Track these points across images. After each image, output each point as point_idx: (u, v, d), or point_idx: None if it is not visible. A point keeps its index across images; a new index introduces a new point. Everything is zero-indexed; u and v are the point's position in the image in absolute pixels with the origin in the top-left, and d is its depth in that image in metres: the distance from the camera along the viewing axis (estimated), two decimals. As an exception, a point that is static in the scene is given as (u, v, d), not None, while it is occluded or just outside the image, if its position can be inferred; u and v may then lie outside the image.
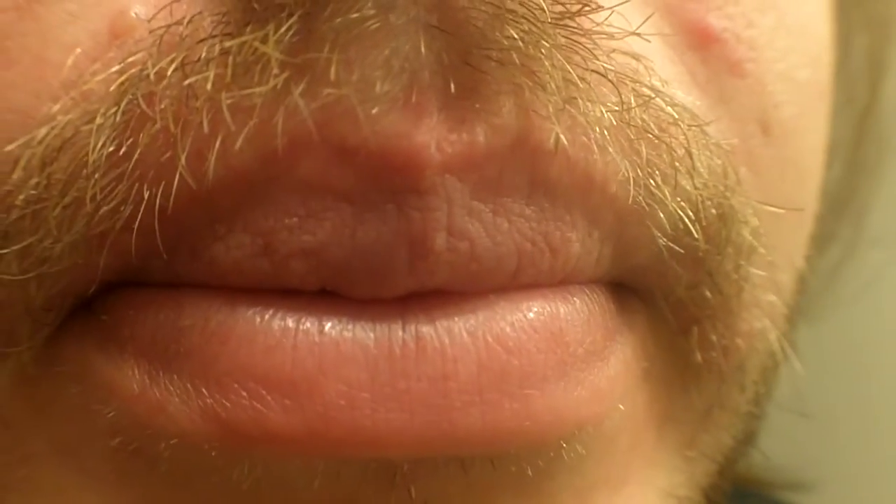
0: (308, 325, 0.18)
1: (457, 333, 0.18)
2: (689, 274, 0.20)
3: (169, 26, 0.17)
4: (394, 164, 0.17)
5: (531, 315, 0.19)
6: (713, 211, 0.20)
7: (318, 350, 0.18)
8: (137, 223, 0.17)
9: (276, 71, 0.16)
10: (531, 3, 0.17)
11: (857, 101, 0.36)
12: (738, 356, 0.22)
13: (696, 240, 0.20)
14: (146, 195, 0.17)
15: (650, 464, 0.22)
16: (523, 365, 0.18)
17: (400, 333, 0.18)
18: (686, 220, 0.19)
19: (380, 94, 0.17)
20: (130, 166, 0.17)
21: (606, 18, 0.18)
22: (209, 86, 0.17)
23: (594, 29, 0.18)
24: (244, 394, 0.18)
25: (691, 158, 0.19)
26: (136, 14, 0.17)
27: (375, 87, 0.17)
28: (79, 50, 0.17)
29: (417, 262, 0.18)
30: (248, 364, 0.18)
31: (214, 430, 0.18)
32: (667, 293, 0.21)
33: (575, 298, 0.20)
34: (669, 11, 0.20)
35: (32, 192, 0.17)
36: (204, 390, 0.18)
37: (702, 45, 0.20)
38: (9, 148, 0.17)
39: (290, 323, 0.18)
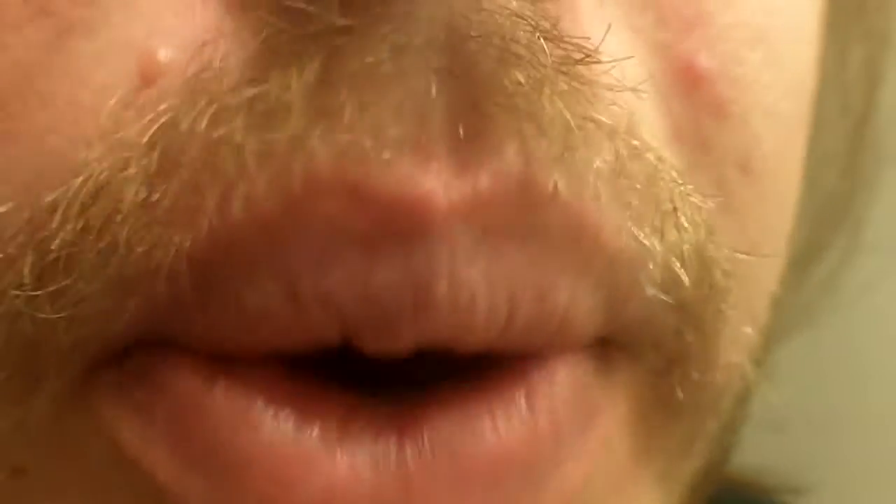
0: (322, 457, 0.18)
1: (439, 471, 0.19)
2: (674, 321, 0.21)
3: (198, 73, 0.17)
4: (403, 209, 0.17)
5: (509, 431, 0.19)
6: (695, 261, 0.20)
7: (330, 491, 0.18)
8: (168, 269, 0.17)
9: (296, 116, 0.17)
10: (535, 47, 0.17)
11: (854, 111, 0.36)
12: (715, 389, 0.23)
13: (684, 288, 0.20)
14: (175, 240, 0.17)
15: (627, 499, 0.22)
16: (497, 496, 0.19)
17: (395, 466, 0.19)
18: (675, 268, 0.20)
19: (391, 137, 0.17)
20: (160, 213, 0.17)
21: (607, 71, 0.18)
22: (238, 135, 0.17)
23: (594, 79, 0.18)
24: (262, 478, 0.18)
25: (675, 212, 0.20)
26: (163, 58, 0.17)
27: (387, 131, 0.17)
28: (115, 96, 0.17)
29: (422, 310, 0.18)
30: (268, 495, 0.18)
31: None
32: (656, 343, 0.21)
33: (553, 395, 0.20)
34: (661, 51, 0.20)
35: (68, 237, 0.17)
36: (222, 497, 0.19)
37: (688, 89, 0.21)
38: (49, 199, 0.17)
39: (305, 454, 0.18)
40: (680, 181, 0.20)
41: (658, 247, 0.19)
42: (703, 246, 0.20)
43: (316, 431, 0.19)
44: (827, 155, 0.26)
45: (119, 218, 0.17)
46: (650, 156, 0.19)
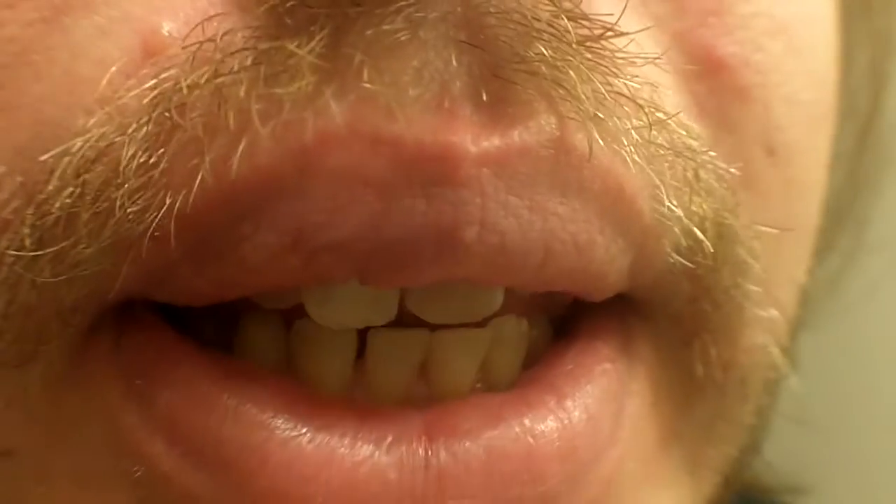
0: (342, 451, 0.19)
1: (474, 466, 0.19)
2: (689, 289, 0.21)
3: (201, 44, 0.17)
4: (429, 155, 0.17)
5: (544, 430, 0.19)
6: (714, 229, 0.20)
7: (349, 486, 0.18)
8: (161, 230, 0.18)
9: (307, 74, 0.17)
10: (558, 24, 0.18)
11: (859, 113, 0.36)
12: (740, 370, 0.23)
13: (703, 257, 0.20)
14: (168, 201, 0.17)
15: (657, 483, 0.23)
16: (535, 492, 0.19)
17: (423, 464, 0.19)
18: (696, 237, 0.20)
19: (412, 97, 0.17)
20: (157, 174, 0.17)
21: (627, 45, 0.19)
22: (241, 92, 0.17)
23: (617, 53, 0.18)
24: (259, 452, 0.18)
25: (699, 181, 0.20)
26: (168, 32, 0.18)
27: (407, 91, 0.17)
28: (114, 68, 0.18)
29: (445, 253, 0.18)
30: (283, 489, 0.18)
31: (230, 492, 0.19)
32: (667, 305, 0.21)
33: (585, 393, 0.20)
34: (681, 37, 0.21)
35: (67, 199, 0.18)
36: (235, 499, 0.19)
37: (710, 72, 0.21)
38: (43, 158, 0.18)
39: (324, 450, 0.19)
40: (703, 150, 0.20)
41: (682, 214, 0.20)
42: (723, 216, 0.21)
43: (335, 431, 0.19)
44: (833, 156, 0.26)
45: (117, 181, 0.17)
46: (675, 124, 0.20)
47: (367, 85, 0.17)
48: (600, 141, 0.18)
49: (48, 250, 0.18)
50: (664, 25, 0.20)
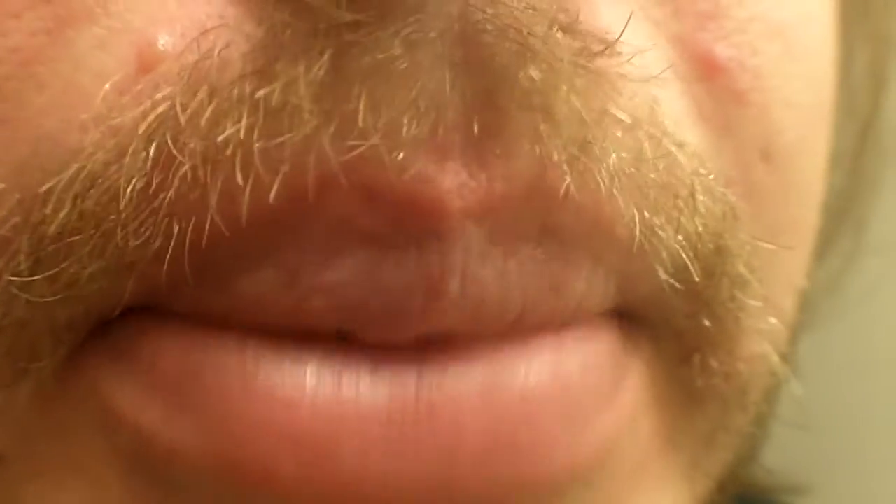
0: (327, 379, 0.18)
1: (466, 398, 0.19)
2: (687, 305, 0.21)
3: (197, 62, 0.17)
4: (418, 210, 0.18)
5: (541, 372, 0.19)
6: (710, 247, 0.20)
7: (336, 410, 0.18)
8: (167, 256, 0.18)
9: (307, 117, 0.17)
10: (551, 41, 0.17)
11: (859, 114, 0.36)
12: (740, 380, 0.23)
13: (695, 276, 0.20)
14: (175, 230, 0.17)
15: (654, 488, 0.23)
16: (532, 429, 0.19)
17: (413, 392, 0.18)
18: (686, 258, 0.20)
19: (406, 137, 0.17)
20: (159, 203, 0.17)
21: (628, 61, 0.18)
22: (242, 135, 0.17)
23: (615, 71, 0.18)
24: (261, 445, 0.18)
25: (694, 201, 0.20)
26: (163, 45, 0.17)
27: (402, 130, 0.17)
28: (108, 84, 0.17)
29: (431, 305, 0.18)
30: (267, 419, 0.18)
31: (226, 472, 0.18)
32: (667, 320, 0.21)
33: (583, 346, 0.20)
34: (679, 41, 0.20)
35: (64, 223, 0.17)
36: (220, 437, 0.18)
37: (708, 75, 0.21)
38: (43, 185, 0.17)
39: (310, 378, 0.18)
40: (700, 168, 0.20)
41: (672, 236, 0.20)
42: (720, 234, 0.20)
43: (321, 360, 0.18)
44: (833, 156, 0.26)
45: (115, 207, 0.17)
46: (669, 144, 0.19)
47: (360, 140, 0.17)
48: (578, 182, 0.18)
49: (46, 273, 0.18)
50: (662, 29, 0.20)
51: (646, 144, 0.19)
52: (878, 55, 0.35)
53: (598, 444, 0.20)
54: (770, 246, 0.22)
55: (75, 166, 0.17)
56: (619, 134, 0.18)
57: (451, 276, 0.18)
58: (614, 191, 0.18)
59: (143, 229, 0.17)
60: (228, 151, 0.17)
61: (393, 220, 0.18)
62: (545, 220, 0.18)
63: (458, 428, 0.19)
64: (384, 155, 0.17)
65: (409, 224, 0.18)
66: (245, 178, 0.17)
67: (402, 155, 0.17)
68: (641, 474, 0.22)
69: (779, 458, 0.36)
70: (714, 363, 0.22)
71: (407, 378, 0.19)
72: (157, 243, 0.17)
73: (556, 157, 0.18)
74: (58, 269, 0.18)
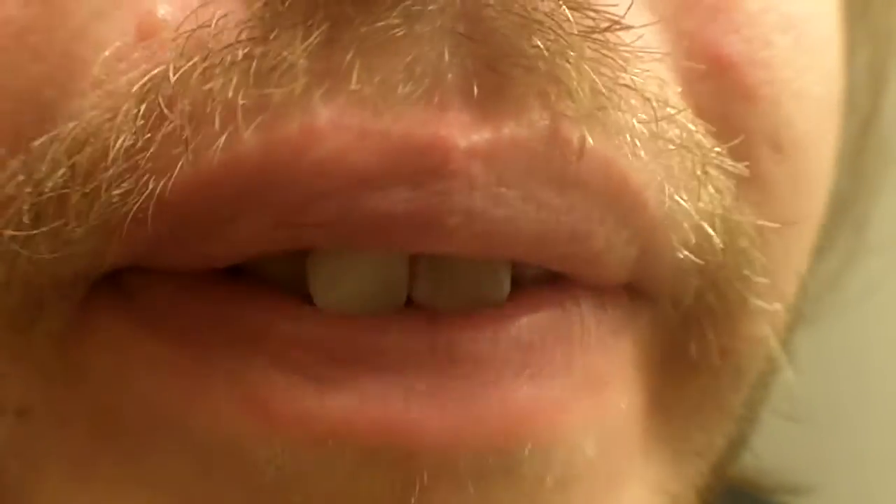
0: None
1: (480, 341, 0.19)
2: (697, 284, 0.21)
3: (194, 30, 0.17)
4: (416, 146, 0.17)
5: (544, 319, 0.20)
6: (721, 226, 0.21)
7: (355, 346, 0.19)
8: (143, 213, 0.18)
9: (299, 76, 0.17)
10: (558, 15, 0.18)
11: (859, 112, 0.36)
12: (737, 358, 0.23)
13: (713, 253, 0.20)
14: (150, 187, 0.18)
15: (641, 454, 0.23)
16: (537, 363, 0.20)
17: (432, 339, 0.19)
18: (705, 233, 0.20)
19: (401, 94, 0.17)
20: (143, 160, 0.18)
21: (636, 40, 0.19)
22: (230, 91, 0.17)
23: (623, 46, 0.18)
24: (284, 381, 0.19)
25: (707, 176, 0.20)
26: (162, 15, 0.18)
27: (396, 89, 0.17)
28: (108, 50, 0.18)
29: (425, 236, 0.18)
30: (290, 356, 0.19)
31: (250, 415, 0.19)
32: (675, 301, 0.21)
33: (585, 299, 0.20)
34: (688, 37, 0.21)
35: (59, 180, 0.18)
36: (246, 378, 0.19)
37: (716, 72, 0.21)
38: (36, 143, 0.18)
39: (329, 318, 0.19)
40: (711, 146, 0.20)
41: (692, 209, 0.20)
42: (731, 212, 0.21)
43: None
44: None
45: (104, 164, 0.18)
46: (683, 119, 0.20)
47: (356, 87, 0.17)
48: (598, 137, 0.18)
49: (43, 229, 0.18)
50: (669, 24, 0.20)
51: (660, 115, 0.19)
52: (878, 54, 0.36)
53: (595, 390, 0.20)
54: (777, 229, 0.22)
55: (70, 125, 0.18)
56: (633, 102, 0.19)
57: (452, 214, 0.18)
58: (638, 151, 0.19)
59: (123, 186, 0.18)
60: (210, 106, 0.17)
61: (387, 159, 0.17)
62: (566, 172, 0.18)
63: (474, 365, 0.19)
64: (379, 102, 0.17)
65: (405, 163, 0.17)
66: (223, 129, 0.17)
67: (397, 107, 0.17)
68: (630, 440, 0.22)
69: (779, 457, 0.36)
70: (711, 335, 0.22)
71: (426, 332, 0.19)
72: (136, 200, 0.18)
73: (570, 113, 0.18)
74: (54, 226, 0.18)
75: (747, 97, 0.21)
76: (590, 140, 0.18)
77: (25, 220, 0.18)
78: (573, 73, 0.18)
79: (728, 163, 0.21)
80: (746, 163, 0.21)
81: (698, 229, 0.20)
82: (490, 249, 0.19)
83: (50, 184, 0.18)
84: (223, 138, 0.17)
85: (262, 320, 0.19)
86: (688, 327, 0.22)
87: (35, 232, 0.18)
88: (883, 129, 0.38)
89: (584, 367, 0.20)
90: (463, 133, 0.17)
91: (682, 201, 0.20)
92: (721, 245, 0.20)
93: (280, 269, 0.20)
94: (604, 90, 0.18)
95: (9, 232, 0.18)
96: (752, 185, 0.21)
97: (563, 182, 0.18)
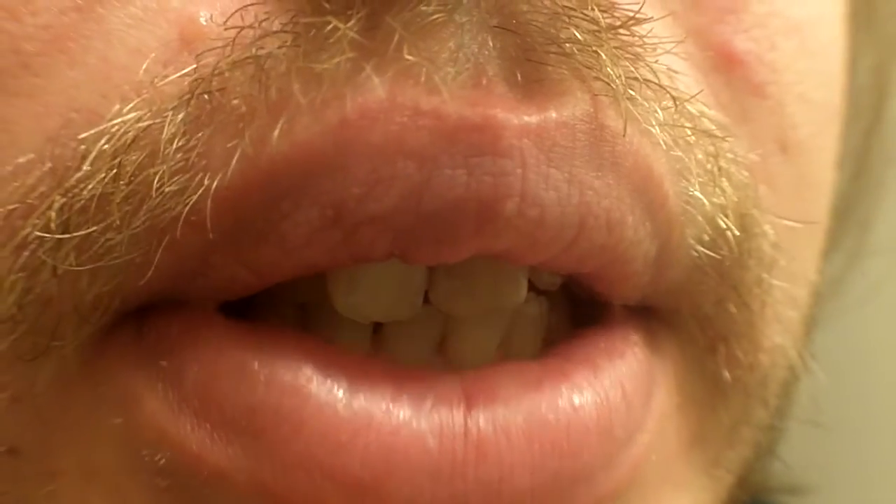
0: (379, 417, 0.18)
1: (514, 435, 0.19)
2: (717, 286, 0.21)
3: (241, 29, 0.18)
4: (470, 125, 0.17)
5: (583, 403, 0.20)
6: (736, 221, 0.21)
7: (386, 455, 0.18)
8: (198, 213, 0.18)
9: (346, 49, 0.17)
10: (587, 12, 0.18)
11: (863, 116, 0.37)
12: (761, 371, 0.23)
13: (727, 249, 0.21)
14: (206, 182, 0.18)
15: (678, 485, 0.23)
16: (574, 466, 0.19)
17: (462, 428, 0.18)
18: (719, 227, 0.20)
19: (451, 73, 0.17)
20: (195, 156, 0.18)
21: (650, 31, 0.19)
22: (282, 68, 0.17)
23: (641, 40, 0.19)
24: (309, 482, 0.18)
25: (720, 169, 0.20)
26: (205, 20, 0.18)
27: (446, 67, 0.17)
28: (152, 55, 0.18)
29: (485, 226, 0.18)
30: (318, 457, 0.18)
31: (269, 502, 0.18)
32: (695, 310, 0.22)
33: (620, 367, 0.20)
34: (698, 33, 0.21)
35: (100, 183, 0.18)
36: (269, 469, 0.18)
37: (726, 67, 0.21)
38: (82, 136, 0.18)
39: (361, 415, 0.18)
40: (723, 136, 0.20)
41: (706, 201, 0.20)
42: (745, 206, 0.21)
43: (371, 394, 0.18)
44: (837, 159, 0.27)
45: (156, 163, 0.18)
46: (695, 111, 0.20)
47: (409, 58, 0.17)
48: (633, 125, 0.19)
49: (75, 234, 0.18)
50: (681, 20, 0.21)
51: (678, 103, 0.19)
52: (882, 59, 0.36)
53: (634, 462, 0.21)
54: (791, 224, 0.22)
55: (116, 124, 0.18)
56: (652, 92, 0.19)
57: (508, 198, 0.18)
58: (662, 140, 0.19)
59: (177, 183, 0.18)
60: (268, 90, 0.17)
61: (443, 138, 0.17)
62: (603, 153, 0.19)
63: (504, 468, 0.19)
64: (433, 76, 0.17)
65: (460, 142, 0.17)
66: (279, 111, 0.17)
67: (449, 84, 0.17)
68: (666, 475, 0.22)
69: (779, 458, 0.36)
70: (740, 353, 0.22)
71: (455, 412, 0.19)
72: (191, 200, 0.18)
73: (608, 95, 0.18)
74: (88, 232, 0.18)
75: (756, 93, 0.21)
76: (629, 127, 0.19)
77: (53, 226, 0.18)
78: (606, 59, 0.18)
79: (740, 154, 0.21)
80: (759, 151, 0.21)
81: (712, 222, 0.20)
82: (536, 248, 0.19)
83: (89, 187, 0.18)
84: (281, 122, 0.17)
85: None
86: (715, 351, 0.22)
87: (66, 236, 0.18)
88: (886, 133, 0.38)
89: (621, 454, 0.20)
90: (513, 113, 0.18)
91: (697, 193, 0.20)
92: (735, 238, 0.21)
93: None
94: (637, 76, 0.19)
95: (36, 233, 0.18)
96: (761, 184, 0.22)
97: (602, 164, 0.19)
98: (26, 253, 0.18)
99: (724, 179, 0.20)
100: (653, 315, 0.22)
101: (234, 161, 0.18)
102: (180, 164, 0.18)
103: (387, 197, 0.18)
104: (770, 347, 0.23)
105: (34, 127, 0.18)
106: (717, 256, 0.21)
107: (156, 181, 0.18)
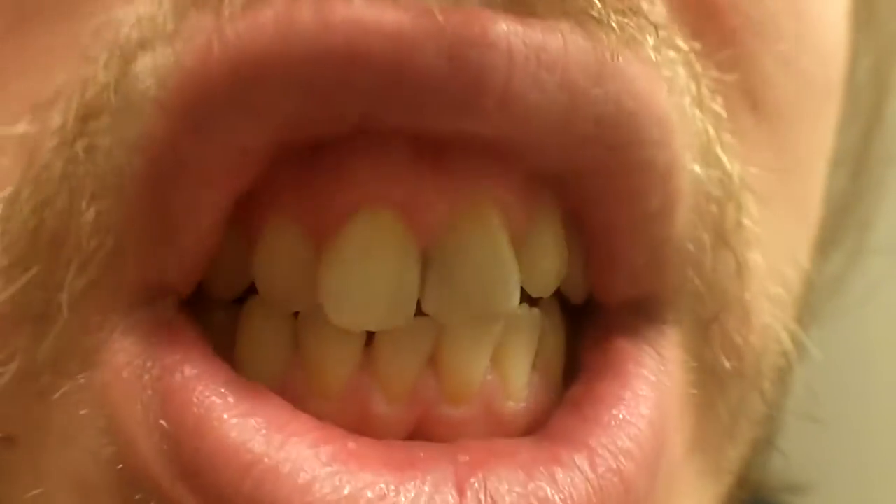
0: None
1: None
2: (703, 230, 0.21)
3: None
4: (456, 17, 0.17)
5: (582, 484, 0.19)
6: (712, 149, 0.21)
7: None
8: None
9: None
10: None
11: (863, 116, 0.37)
12: (754, 355, 0.23)
13: (719, 171, 0.20)
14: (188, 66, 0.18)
15: (682, 492, 0.23)
16: None
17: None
18: (712, 145, 0.20)
19: None
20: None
21: None
22: None
23: None
24: None
25: (699, 93, 0.20)
26: None
27: None
28: None
29: (464, 113, 0.18)
30: None
31: None
32: (686, 286, 0.21)
33: (622, 445, 0.20)
34: None
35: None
36: None
37: (701, 8, 0.21)
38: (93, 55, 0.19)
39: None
40: (698, 63, 0.20)
41: (696, 115, 0.20)
42: (721, 134, 0.21)
43: (369, 486, 0.18)
44: (837, 158, 0.27)
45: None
46: (674, 36, 0.20)
47: None
48: (625, 51, 0.18)
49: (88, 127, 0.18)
50: None
51: (663, 35, 0.19)
52: (882, 59, 0.36)
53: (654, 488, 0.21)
54: (766, 176, 0.22)
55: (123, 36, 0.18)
56: (646, 28, 0.19)
57: (490, 93, 0.18)
58: (656, 57, 0.19)
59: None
60: None
61: (424, 18, 0.17)
62: (600, 73, 0.18)
63: None
64: None
65: (443, 28, 0.17)
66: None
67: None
68: (671, 487, 0.22)
69: (779, 457, 0.36)
70: (733, 333, 0.22)
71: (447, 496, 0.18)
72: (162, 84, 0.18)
73: (601, 34, 0.18)
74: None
75: (727, 40, 0.21)
76: (620, 58, 0.18)
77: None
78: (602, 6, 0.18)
79: (714, 74, 0.21)
80: (723, 102, 0.21)
81: (703, 140, 0.20)
82: (519, 134, 0.18)
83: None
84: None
85: None
86: (709, 334, 0.22)
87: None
88: (886, 132, 0.38)
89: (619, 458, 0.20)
90: (504, 17, 0.17)
91: (687, 106, 0.20)
92: (720, 164, 0.20)
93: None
94: (626, 9, 0.18)
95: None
96: (726, 132, 0.21)
97: (602, 75, 0.18)
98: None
99: (703, 104, 0.20)
100: (648, 316, 0.21)
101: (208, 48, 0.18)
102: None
103: (364, 74, 0.17)
104: (761, 328, 0.23)
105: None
106: (710, 184, 0.20)
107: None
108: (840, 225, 0.38)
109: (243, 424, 0.18)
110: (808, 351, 0.27)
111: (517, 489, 0.19)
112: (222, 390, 0.19)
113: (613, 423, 0.20)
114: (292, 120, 0.18)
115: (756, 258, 0.22)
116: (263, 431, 0.18)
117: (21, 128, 0.19)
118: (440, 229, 0.20)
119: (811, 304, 0.32)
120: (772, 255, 0.23)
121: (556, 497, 0.19)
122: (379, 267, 0.20)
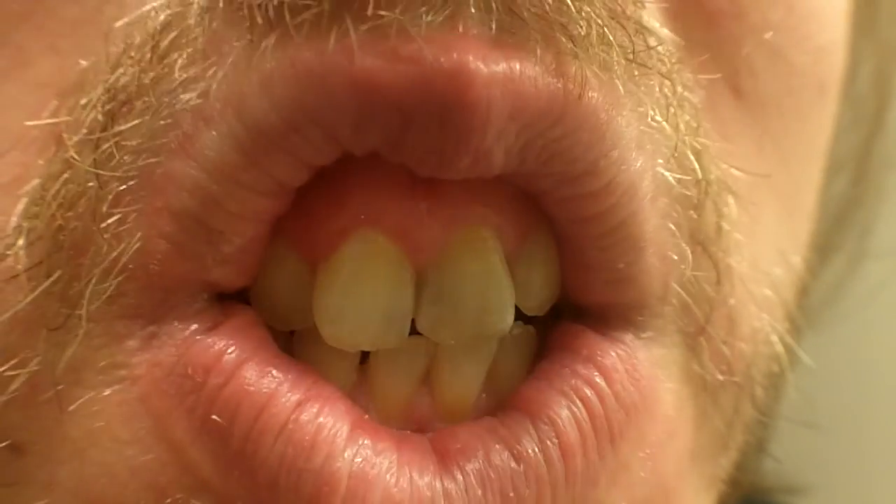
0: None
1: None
2: (682, 236, 0.21)
3: None
4: (444, 70, 0.18)
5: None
6: (693, 153, 0.21)
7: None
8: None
9: (324, 2, 0.18)
10: None
11: (864, 121, 0.37)
12: (744, 362, 0.23)
13: (692, 176, 0.20)
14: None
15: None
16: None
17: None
18: (682, 150, 0.20)
19: (425, 20, 0.18)
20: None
21: None
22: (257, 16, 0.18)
23: None
24: None
25: (675, 95, 0.20)
26: None
27: (421, 17, 0.18)
28: None
29: (450, 163, 0.19)
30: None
31: None
32: (671, 295, 0.21)
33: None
34: None
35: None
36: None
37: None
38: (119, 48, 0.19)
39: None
40: (675, 58, 0.20)
41: (666, 126, 0.20)
42: (699, 133, 0.21)
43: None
44: (838, 162, 0.27)
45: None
46: (656, 42, 0.20)
47: (384, 13, 0.17)
48: (595, 85, 0.19)
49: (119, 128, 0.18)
50: None
51: (635, 44, 0.19)
52: (883, 65, 0.36)
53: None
54: (746, 176, 0.22)
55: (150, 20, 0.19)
56: (618, 33, 0.19)
57: (465, 156, 0.18)
58: (623, 80, 0.19)
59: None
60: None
61: (419, 83, 0.18)
62: (562, 114, 0.19)
63: None
64: (407, 26, 0.18)
65: (435, 87, 0.18)
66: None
67: (423, 30, 0.18)
68: (667, 500, 0.22)
69: (780, 457, 0.36)
70: (720, 344, 0.22)
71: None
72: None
73: (571, 55, 0.18)
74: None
75: (708, 22, 0.21)
76: (591, 84, 0.19)
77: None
78: (582, 24, 0.18)
79: (690, 70, 0.21)
80: (703, 92, 0.21)
81: (674, 148, 0.20)
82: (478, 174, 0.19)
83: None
84: (273, 38, 0.18)
85: None
86: (697, 346, 0.22)
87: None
88: (887, 137, 0.38)
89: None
90: (484, 60, 0.18)
91: (656, 119, 0.20)
92: (693, 169, 0.20)
93: None
94: (602, 21, 0.19)
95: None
96: (706, 121, 0.21)
97: (563, 115, 0.19)
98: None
99: (677, 105, 0.20)
100: (626, 322, 0.21)
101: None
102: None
103: (372, 135, 0.18)
104: (750, 332, 0.23)
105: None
106: (684, 190, 0.20)
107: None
108: (840, 229, 0.38)
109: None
110: (802, 354, 0.27)
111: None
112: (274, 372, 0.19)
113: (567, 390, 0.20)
114: (324, 153, 0.19)
115: (740, 262, 0.22)
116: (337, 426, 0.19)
117: (46, 117, 0.19)
118: (434, 250, 0.20)
119: (811, 308, 0.32)
120: (758, 256, 0.23)
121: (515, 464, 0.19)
122: (373, 288, 0.20)
